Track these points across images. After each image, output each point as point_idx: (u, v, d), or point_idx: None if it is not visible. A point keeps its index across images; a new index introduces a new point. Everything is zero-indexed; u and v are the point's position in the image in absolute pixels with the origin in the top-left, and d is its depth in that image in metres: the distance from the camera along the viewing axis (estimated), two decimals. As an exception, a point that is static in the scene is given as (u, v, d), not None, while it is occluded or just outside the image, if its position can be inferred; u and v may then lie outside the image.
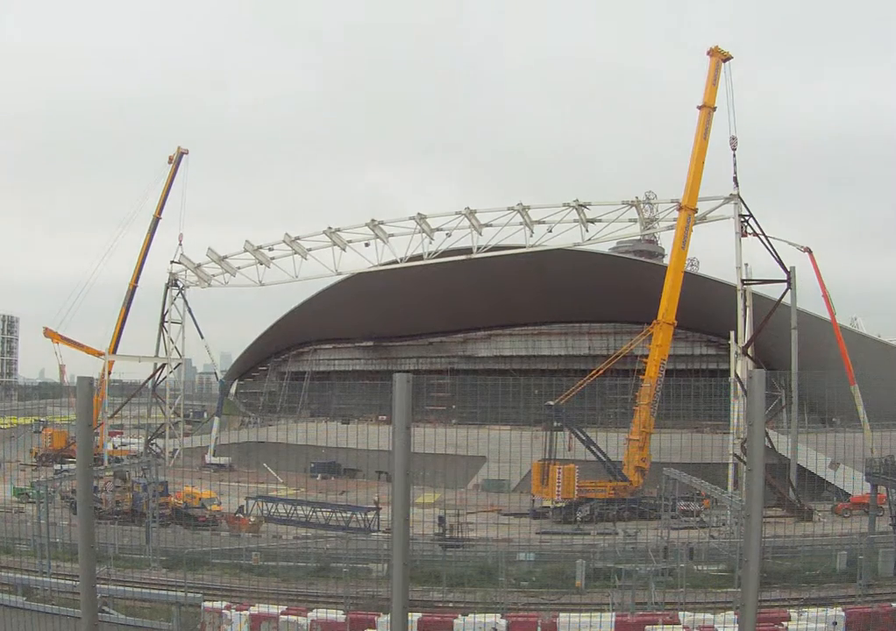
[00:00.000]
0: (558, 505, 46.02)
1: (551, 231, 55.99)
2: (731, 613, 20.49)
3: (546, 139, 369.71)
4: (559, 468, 45.48)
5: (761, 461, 5.56)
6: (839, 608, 21.48)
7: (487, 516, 41.03)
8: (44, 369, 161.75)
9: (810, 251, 51.87)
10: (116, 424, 73.20)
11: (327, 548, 32.89)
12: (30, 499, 41.66)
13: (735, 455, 47.70)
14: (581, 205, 54.27)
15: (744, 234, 50.54)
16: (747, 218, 50.76)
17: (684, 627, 19.46)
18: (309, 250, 64.13)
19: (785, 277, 50.22)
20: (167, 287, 72.05)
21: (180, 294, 72.64)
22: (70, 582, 21.40)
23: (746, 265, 51.18)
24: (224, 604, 21.84)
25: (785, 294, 50.57)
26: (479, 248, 58.18)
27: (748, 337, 50.34)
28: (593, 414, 53.45)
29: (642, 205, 54.33)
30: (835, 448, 47.13)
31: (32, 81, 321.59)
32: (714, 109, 51.12)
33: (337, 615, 20.83)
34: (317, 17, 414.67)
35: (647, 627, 19.59)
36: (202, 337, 73.93)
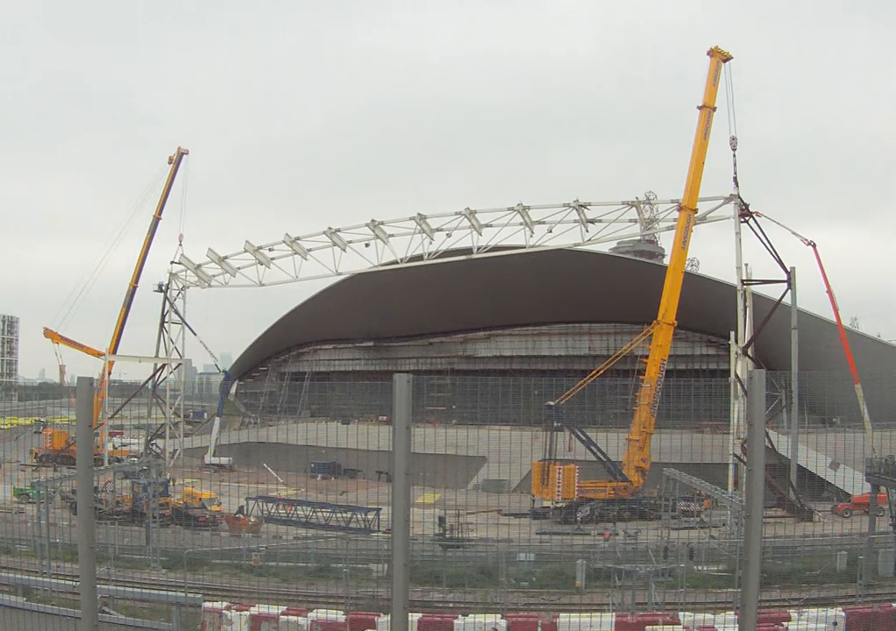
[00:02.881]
0: (559, 505, 45.98)
1: (551, 232, 56.04)
2: (731, 613, 20.46)
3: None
4: (559, 468, 45.45)
5: (761, 461, 5.56)
6: (839, 608, 21.45)
7: (487, 516, 40.97)
8: (44, 369, 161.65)
9: (814, 246, 51.75)
10: (116, 424, 73.20)
11: (327, 548, 32.90)
12: (30, 500, 41.66)
13: (735, 455, 47.66)
14: (581, 205, 54.27)
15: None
16: (747, 219, 50.80)
17: (684, 628, 19.44)
18: (310, 250, 64.12)
19: (785, 277, 50.20)
20: (167, 288, 72.10)
21: (180, 295, 72.65)
22: (70, 582, 21.39)
23: (746, 265, 51.23)
24: (224, 604, 21.82)
25: (785, 294, 50.56)
26: (479, 248, 58.15)
27: (748, 338, 50.32)
28: (594, 414, 53.41)
29: (642, 205, 54.34)
30: (835, 448, 47.07)
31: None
32: (714, 109, 51.12)
33: (337, 615, 20.81)
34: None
35: (647, 627, 19.57)
36: (194, 334, 73.94)
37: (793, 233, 51.27)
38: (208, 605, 21.74)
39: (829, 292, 53.07)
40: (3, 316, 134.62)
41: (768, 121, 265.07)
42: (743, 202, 50.82)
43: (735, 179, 51.21)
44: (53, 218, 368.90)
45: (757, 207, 51.33)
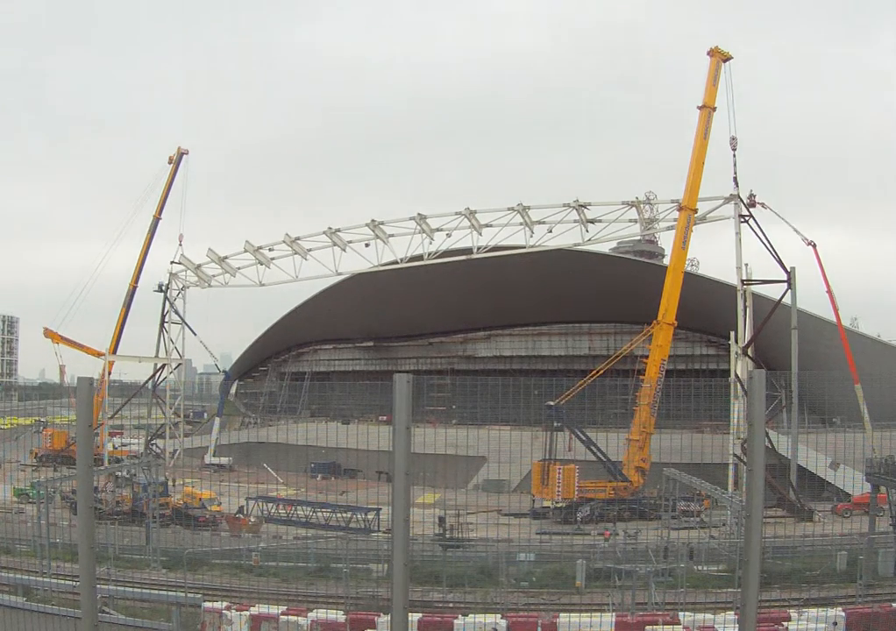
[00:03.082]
0: (559, 505, 45.99)
1: (551, 232, 56.06)
2: (731, 613, 20.47)
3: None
4: (559, 468, 45.45)
5: (761, 461, 5.56)
6: (839, 608, 21.45)
7: (487, 516, 40.97)
8: (44, 369, 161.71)
9: (814, 246, 51.64)
10: (116, 424, 73.18)
11: (327, 548, 32.88)
12: (30, 500, 41.66)
13: (735, 455, 47.67)
14: (581, 205, 54.28)
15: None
16: (747, 218, 50.81)
17: (684, 628, 19.44)
18: (310, 250, 64.14)
19: (785, 277, 50.18)
20: (167, 288, 72.15)
21: (180, 295, 72.71)
22: (70, 582, 21.41)
23: (746, 265, 51.23)
24: (224, 604, 21.82)
25: (785, 294, 50.54)
26: (479, 248, 58.16)
27: (748, 338, 50.32)
28: (594, 414, 53.42)
29: (642, 205, 54.35)
30: (835, 448, 47.08)
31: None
32: (715, 109, 51.14)
33: (337, 615, 20.81)
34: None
35: (647, 627, 19.57)
36: (194, 334, 74.03)
37: (795, 230, 51.19)
38: (208, 605, 21.74)
39: (829, 291, 53.03)
40: (3, 316, 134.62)
41: (768, 122, 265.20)
42: (742, 200, 50.81)
43: (735, 179, 51.28)
44: (53, 218, 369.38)
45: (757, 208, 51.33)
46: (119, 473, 42.51)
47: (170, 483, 47.09)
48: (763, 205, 50.88)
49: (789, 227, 50.87)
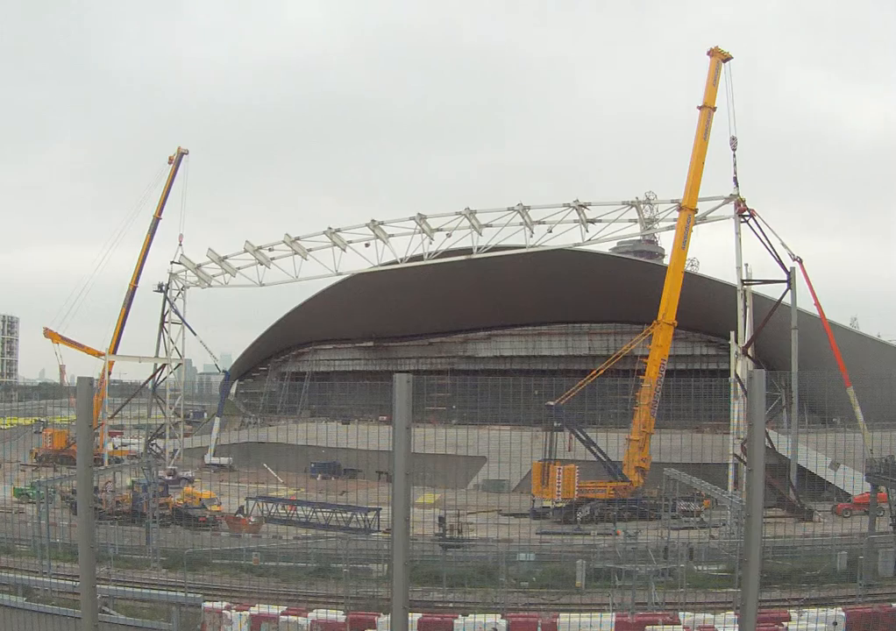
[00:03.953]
0: (559, 505, 45.99)
1: (551, 232, 56.06)
2: (731, 613, 20.49)
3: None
4: (559, 468, 45.46)
5: (761, 461, 5.56)
6: (839, 608, 21.47)
7: (487, 516, 40.98)
8: (44, 369, 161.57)
9: (800, 261, 51.26)
10: (116, 424, 73.18)
11: (327, 548, 32.89)
12: (30, 500, 41.66)
13: (735, 455, 47.67)
14: (581, 205, 54.27)
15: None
16: (747, 218, 50.75)
17: (684, 628, 19.46)
18: (310, 250, 64.12)
19: (784, 277, 50.12)
20: (167, 288, 72.14)
21: (180, 295, 72.69)
22: (70, 582, 21.42)
23: (746, 265, 51.17)
24: (225, 604, 21.84)
25: (785, 294, 50.50)
26: (479, 248, 58.15)
27: (748, 338, 50.30)
28: (594, 414, 53.42)
29: (642, 205, 54.35)
30: (835, 448, 47.07)
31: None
32: (715, 109, 51.14)
33: (337, 615, 20.83)
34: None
35: (647, 627, 19.59)
36: (194, 334, 74.01)
37: (783, 245, 50.61)
38: (208, 605, 21.76)
39: (819, 307, 52.46)
40: (3, 316, 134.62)
41: (768, 123, 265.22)
42: (742, 200, 50.73)
43: (735, 179, 51.26)
44: (54, 218, 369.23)
45: (760, 210, 51.26)
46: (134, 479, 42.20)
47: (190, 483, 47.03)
48: (752, 213, 50.42)
49: (780, 238, 50.66)
